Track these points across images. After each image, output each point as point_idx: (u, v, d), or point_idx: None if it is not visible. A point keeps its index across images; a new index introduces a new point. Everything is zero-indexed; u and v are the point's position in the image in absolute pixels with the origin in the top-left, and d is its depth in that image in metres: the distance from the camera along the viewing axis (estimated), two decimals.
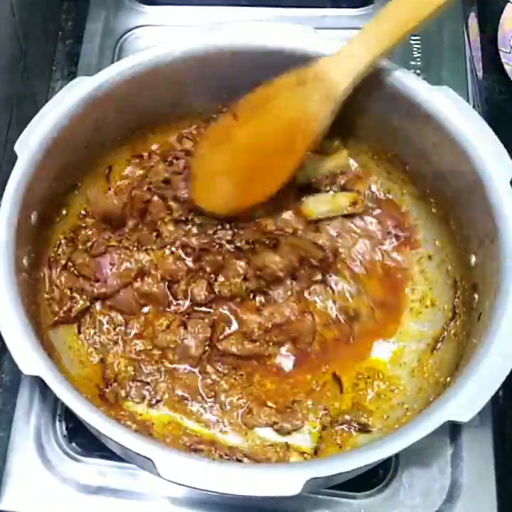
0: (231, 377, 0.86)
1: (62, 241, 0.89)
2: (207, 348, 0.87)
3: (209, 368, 0.87)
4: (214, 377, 0.86)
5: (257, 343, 0.87)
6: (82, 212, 0.91)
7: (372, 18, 0.74)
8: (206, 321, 0.88)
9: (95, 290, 0.88)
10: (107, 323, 0.88)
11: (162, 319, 0.89)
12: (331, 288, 0.89)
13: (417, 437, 0.65)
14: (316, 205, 0.90)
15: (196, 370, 0.87)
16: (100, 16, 1.13)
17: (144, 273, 0.89)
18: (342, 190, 0.91)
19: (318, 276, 0.89)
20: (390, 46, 0.74)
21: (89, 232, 0.91)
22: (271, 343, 0.87)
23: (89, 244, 0.90)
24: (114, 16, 1.14)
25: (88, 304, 0.88)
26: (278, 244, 0.88)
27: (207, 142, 0.87)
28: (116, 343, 0.88)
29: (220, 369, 0.87)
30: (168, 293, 0.89)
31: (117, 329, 0.88)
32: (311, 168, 0.89)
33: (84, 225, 0.91)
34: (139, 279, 0.89)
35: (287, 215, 0.90)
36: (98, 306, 0.89)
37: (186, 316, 0.89)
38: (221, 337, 0.88)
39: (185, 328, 0.87)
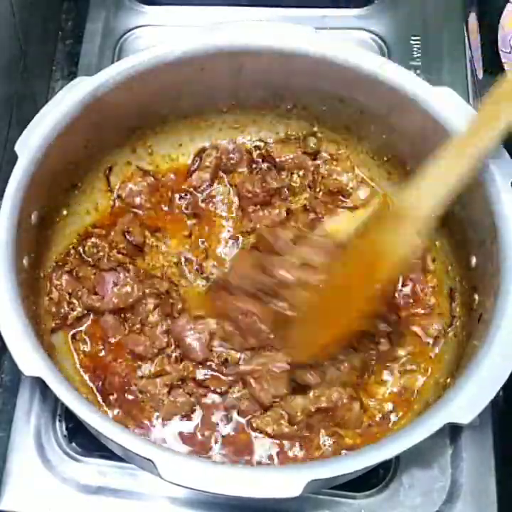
0: None
1: (72, 251, 0.90)
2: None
3: None
4: None
5: (295, 427, 0.81)
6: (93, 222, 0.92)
7: (449, 146, 0.72)
8: (192, 399, 0.82)
9: (89, 302, 0.87)
10: (93, 337, 0.87)
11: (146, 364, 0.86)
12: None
13: (417, 439, 0.65)
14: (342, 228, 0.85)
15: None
16: (100, 16, 1.13)
17: (140, 310, 0.86)
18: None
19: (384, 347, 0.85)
20: (468, 172, 0.71)
21: (98, 243, 0.91)
22: (313, 429, 0.81)
23: (97, 256, 0.89)
24: (114, 16, 1.13)
25: (85, 312, 0.87)
26: None
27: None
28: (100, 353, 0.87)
29: None
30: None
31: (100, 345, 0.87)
32: None
33: (94, 235, 0.91)
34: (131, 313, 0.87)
35: None
36: (91, 317, 0.88)
37: (180, 381, 0.83)
38: (256, 413, 0.82)
39: (169, 391, 0.82)
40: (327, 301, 0.77)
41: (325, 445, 0.81)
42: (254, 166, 0.96)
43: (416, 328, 0.87)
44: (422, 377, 0.84)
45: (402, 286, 0.89)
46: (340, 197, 0.94)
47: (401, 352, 0.85)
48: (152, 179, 0.94)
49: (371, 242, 0.75)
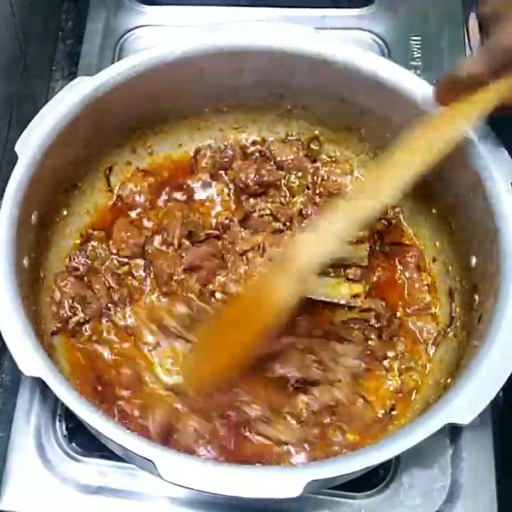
0: None
1: (78, 252, 0.90)
2: None
3: None
4: None
5: (303, 428, 0.81)
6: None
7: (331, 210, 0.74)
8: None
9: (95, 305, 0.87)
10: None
11: None
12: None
13: (417, 439, 0.65)
14: (315, 284, 0.86)
15: None
16: (100, 16, 1.13)
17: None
18: (349, 280, 0.88)
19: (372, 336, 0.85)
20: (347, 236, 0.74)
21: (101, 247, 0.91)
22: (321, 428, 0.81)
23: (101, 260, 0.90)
24: (114, 16, 1.13)
25: (87, 318, 0.86)
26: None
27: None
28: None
29: None
30: None
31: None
32: None
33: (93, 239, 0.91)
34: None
35: None
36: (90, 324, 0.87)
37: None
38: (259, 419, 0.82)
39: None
40: (221, 329, 0.81)
41: (331, 445, 0.81)
42: (250, 157, 0.96)
43: (411, 326, 0.87)
44: (420, 375, 0.85)
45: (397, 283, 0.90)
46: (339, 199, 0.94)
47: (390, 352, 0.85)
48: (152, 180, 0.94)
49: (261, 282, 0.80)
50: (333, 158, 0.95)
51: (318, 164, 0.95)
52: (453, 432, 0.86)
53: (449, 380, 0.78)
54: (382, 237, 0.92)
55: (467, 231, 0.82)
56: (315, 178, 0.94)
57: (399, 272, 0.90)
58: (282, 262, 0.75)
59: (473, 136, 0.77)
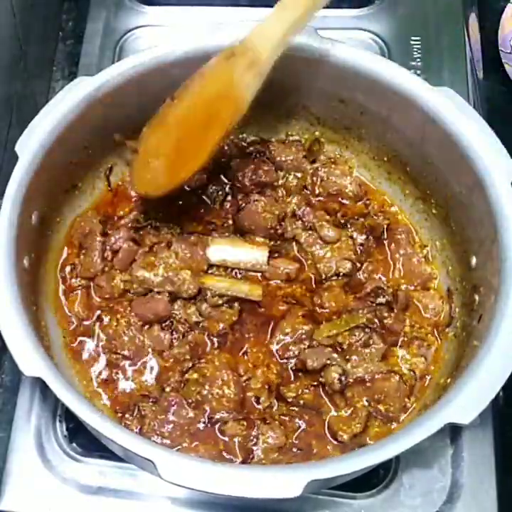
0: None
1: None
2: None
3: None
4: None
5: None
6: None
7: None
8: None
9: None
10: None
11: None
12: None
13: (417, 439, 0.65)
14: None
15: None
16: (101, 16, 1.13)
17: None
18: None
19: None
20: (302, 15, 0.76)
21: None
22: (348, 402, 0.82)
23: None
24: (114, 16, 1.13)
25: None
26: None
27: (147, 130, 0.85)
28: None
29: None
30: None
31: None
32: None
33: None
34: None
35: None
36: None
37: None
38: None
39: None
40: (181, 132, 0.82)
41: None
42: (249, 157, 0.96)
43: (417, 303, 0.88)
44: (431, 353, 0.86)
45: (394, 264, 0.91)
46: (339, 199, 0.94)
47: (407, 325, 0.86)
48: None
49: (212, 80, 0.79)
50: (333, 159, 0.95)
51: (317, 165, 0.95)
52: (453, 431, 0.86)
53: (448, 380, 0.78)
54: (373, 232, 0.92)
55: (467, 231, 0.82)
56: (314, 178, 0.94)
57: (392, 252, 0.91)
58: (242, 51, 0.77)
59: (473, 137, 0.77)
